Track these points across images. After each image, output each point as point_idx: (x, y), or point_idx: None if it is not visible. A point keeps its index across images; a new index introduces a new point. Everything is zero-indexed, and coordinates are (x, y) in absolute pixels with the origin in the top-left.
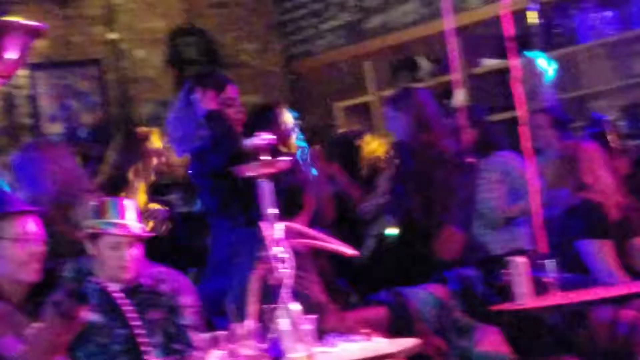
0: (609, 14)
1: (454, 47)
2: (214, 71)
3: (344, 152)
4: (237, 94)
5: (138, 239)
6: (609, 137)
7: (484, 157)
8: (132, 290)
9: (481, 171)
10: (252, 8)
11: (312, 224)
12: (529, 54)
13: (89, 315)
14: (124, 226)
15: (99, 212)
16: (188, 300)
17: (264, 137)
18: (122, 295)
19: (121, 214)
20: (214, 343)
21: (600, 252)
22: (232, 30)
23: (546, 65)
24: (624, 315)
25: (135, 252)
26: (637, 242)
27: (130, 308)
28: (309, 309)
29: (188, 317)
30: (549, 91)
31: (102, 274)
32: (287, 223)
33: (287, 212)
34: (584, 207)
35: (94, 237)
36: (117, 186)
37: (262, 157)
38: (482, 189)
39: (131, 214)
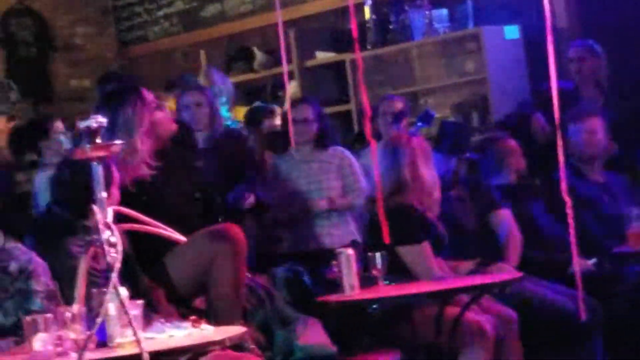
0: (442, 12)
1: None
2: None
3: None
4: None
5: None
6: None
7: (322, 150)
8: None
9: (318, 164)
10: None
11: None
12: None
13: None
14: None
15: None
16: (41, 283)
17: (98, 120)
18: None
19: None
20: (41, 326)
21: (420, 256)
22: (67, 13)
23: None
24: (448, 311)
25: None
26: None
27: None
28: (136, 294)
29: (38, 302)
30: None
31: None
32: (118, 207)
33: None
34: (398, 212)
35: None
36: None
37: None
38: (318, 182)
39: None
